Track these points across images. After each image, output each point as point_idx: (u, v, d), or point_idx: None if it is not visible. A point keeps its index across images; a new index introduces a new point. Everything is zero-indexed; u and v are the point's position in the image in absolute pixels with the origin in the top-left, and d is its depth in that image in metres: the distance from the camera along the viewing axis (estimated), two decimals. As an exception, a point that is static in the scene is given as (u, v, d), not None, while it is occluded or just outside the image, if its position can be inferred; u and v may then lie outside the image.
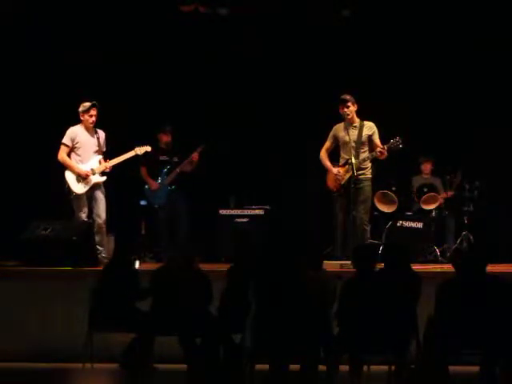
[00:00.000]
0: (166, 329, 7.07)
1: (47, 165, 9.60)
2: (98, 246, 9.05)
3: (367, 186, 9.12)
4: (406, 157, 9.75)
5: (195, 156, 10.35)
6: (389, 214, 10.69)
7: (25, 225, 8.98)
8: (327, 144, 9.33)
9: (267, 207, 10.53)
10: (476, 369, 6.45)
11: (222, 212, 10.54)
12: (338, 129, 9.26)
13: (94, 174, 9.21)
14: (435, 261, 10.27)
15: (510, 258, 9.55)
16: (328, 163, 9.26)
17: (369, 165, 9.15)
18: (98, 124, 9.33)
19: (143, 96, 11.10)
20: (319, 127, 9.41)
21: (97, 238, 9.08)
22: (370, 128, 9.17)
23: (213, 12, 11.26)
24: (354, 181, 8.96)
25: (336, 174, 9.15)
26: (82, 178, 9.15)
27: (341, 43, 11.09)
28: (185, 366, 7.11)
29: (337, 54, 11.10)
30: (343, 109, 9.12)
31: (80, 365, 7.39)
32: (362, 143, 9.11)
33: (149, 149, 9.65)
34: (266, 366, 6.50)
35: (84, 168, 9.20)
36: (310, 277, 6.55)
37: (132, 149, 9.51)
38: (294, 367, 6.46)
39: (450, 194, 10.83)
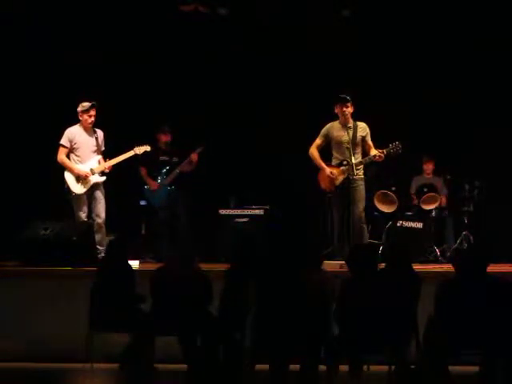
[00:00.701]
0: (166, 329, 7.06)
1: (47, 165, 9.59)
2: (97, 246, 9.06)
3: (361, 185, 9.10)
4: (406, 157, 9.74)
5: (194, 156, 10.35)
6: (389, 214, 10.69)
7: (25, 225, 8.98)
8: (318, 142, 9.29)
9: (267, 207, 10.53)
10: (476, 369, 6.46)
11: (222, 212, 10.53)
12: (332, 128, 9.23)
13: (93, 174, 9.22)
14: (435, 261, 10.28)
15: (510, 258, 9.55)
16: (322, 162, 9.23)
17: (361, 165, 9.15)
18: (98, 124, 9.33)
19: (143, 96, 11.09)
20: (319, 127, 9.40)
21: (96, 238, 9.09)
22: (363, 129, 9.16)
23: (213, 12, 11.26)
24: (350, 181, 8.97)
25: (330, 175, 9.13)
26: (81, 178, 9.16)
27: (341, 43, 11.08)
28: (185, 366, 7.11)
29: (337, 53, 11.09)
30: (342, 108, 9.09)
31: (80, 365, 7.39)
32: (357, 144, 9.10)
33: (148, 148, 9.65)
34: (266, 366, 6.50)
35: (83, 168, 9.20)
36: (309, 277, 6.55)
37: (131, 149, 9.52)
38: (294, 367, 6.46)
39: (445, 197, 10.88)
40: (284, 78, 11.19)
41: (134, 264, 8.86)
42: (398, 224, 10.58)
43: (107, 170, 9.29)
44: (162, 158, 10.42)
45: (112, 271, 7.38)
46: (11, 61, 10.85)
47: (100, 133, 9.37)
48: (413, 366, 6.54)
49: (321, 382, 6.47)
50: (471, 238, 10.55)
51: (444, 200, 10.95)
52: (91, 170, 9.22)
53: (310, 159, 9.31)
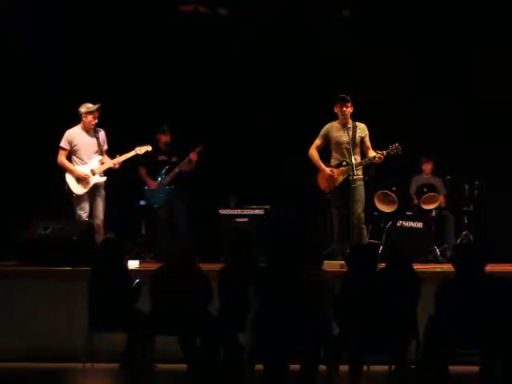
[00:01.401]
0: (166, 329, 7.06)
1: (47, 165, 9.59)
2: (97, 246, 9.07)
3: (360, 185, 9.09)
4: (406, 157, 9.73)
5: (194, 156, 10.35)
6: (389, 214, 10.69)
7: (25, 225, 8.98)
8: (318, 142, 9.30)
9: (267, 207, 10.53)
10: (476, 369, 6.46)
11: (222, 212, 10.52)
12: (331, 128, 9.23)
13: (93, 174, 9.23)
14: (435, 261, 10.28)
15: (510, 258, 9.55)
16: (321, 163, 9.24)
17: (361, 166, 9.14)
18: (98, 124, 9.33)
19: (143, 96, 11.09)
20: (319, 127, 9.40)
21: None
22: (362, 130, 9.16)
23: (213, 12, 11.26)
24: (349, 181, 8.97)
25: (329, 175, 9.13)
26: (81, 179, 9.17)
27: (341, 43, 11.08)
28: (185, 366, 7.11)
29: (337, 53, 11.09)
30: (342, 108, 9.09)
31: (80, 365, 7.39)
32: (356, 145, 9.10)
33: (149, 148, 9.66)
34: (267, 366, 6.49)
35: (83, 170, 9.21)
36: (309, 277, 6.55)
37: (132, 149, 9.53)
38: (294, 367, 6.46)
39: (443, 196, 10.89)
40: (284, 78, 11.19)
41: (134, 264, 8.87)
42: (398, 224, 10.57)
43: (117, 166, 9.29)
44: (162, 157, 10.42)
45: (106, 271, 7.36)
46: (12, 61, 10.84)
47: (101, 132, 9.38)
48: (413, 366, 6.54)
49: (321, 382, 6.47)
50: (471, 237, 10.55)
51: (443, 200, 10.94)
52: (92, 170, 9.23)
53: (309, 159, 9.32)
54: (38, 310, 8.12)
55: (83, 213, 9.17)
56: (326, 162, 9.27)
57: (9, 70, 10.83)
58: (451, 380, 6.37)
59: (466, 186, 10.76)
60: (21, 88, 10.86)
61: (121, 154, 9.44)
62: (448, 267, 8.25)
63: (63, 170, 9.25)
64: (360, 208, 9.04)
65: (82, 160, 9.26)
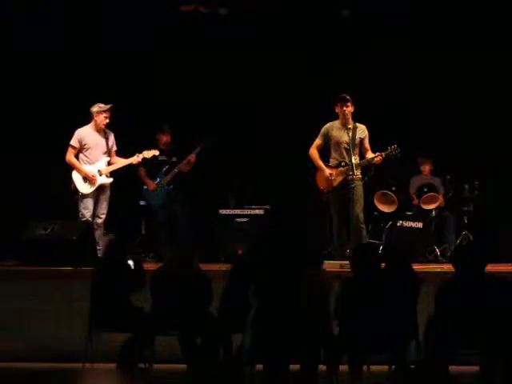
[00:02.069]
0: (166, 329, 7.06)
1: (47, 165, 9.60)
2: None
3: (359, 185, 9.10)
4: (405, 157, 9.74)
5: (193, 156, 10.35)
6: (389, 214, 10.70)
7: (25, 225, 8.98)
8: (318, 142, 9.30)
9: (267, 207, 10.53)
10: (476, 369, 6.46)
11: (222, 212, 10.53)
12: (331, 128, 9.22)
13: (100, 175, 9.27)
14: (435, 261, 10.28)
15: (510, 258, 9.55)
16: (321, 163, 9.23)
17: (359, 167, 9.14)
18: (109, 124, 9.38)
19: (142, 96, 11.08)
20: (319, 127, 9.40)
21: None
22: (362, 131, 9.16)
23: (213, 12, 11.26)
24: (348, 181, 8.97)
25: (328, 176, 9.13)
26: (88, 179, 9.20)
27: (341, 43, 11.08)
28: (185, 366, 7.10)
29: (337, 53, 11.09)
30: (342, 107, 9.09)
31: (80, 365, 7.38)
32: (355, 145, 9.10)
33: (157, 153, 9.73)
34: (266, 366, 6.49)
35: (91, 169, 9.24)
36: (309, 277, 6.55)
37: (140, 152, 9.54)
38: (294, 367, 6.46)
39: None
40: (284, 78, 11.18)
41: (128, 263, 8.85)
42: (398, 224, 10.58)
43: (136, 162, 9.39)
44: (161, 157, 10.42)
45: (111, 271, 7.37)
46: (12, 61, 10.84)
47: (111, 134, 9.41)
48: (413, 366, 6.54)
49: (321, 382, 6.47)
50: (471, 237, 10.55)
51: (443, 200, 10.93)
52: (99, 171, 9.27)
53: (309, 159, 9.32)
54: (38, 310, 8.11)
55: (87, 212, 9.19)
56: (326, 162, 9.27)
57: (9, 69, 10.83)
58: (451, 380, 6.37)
59: (466, 186, 10.76)
60: (21, 88, 10.86)
61: (131, 155, 9.46)
62: (448, 267, 8.25)
63: (70, 168, 9.28)
64: (359, 208, 9.04)
65: (89, 159, 9.28)
